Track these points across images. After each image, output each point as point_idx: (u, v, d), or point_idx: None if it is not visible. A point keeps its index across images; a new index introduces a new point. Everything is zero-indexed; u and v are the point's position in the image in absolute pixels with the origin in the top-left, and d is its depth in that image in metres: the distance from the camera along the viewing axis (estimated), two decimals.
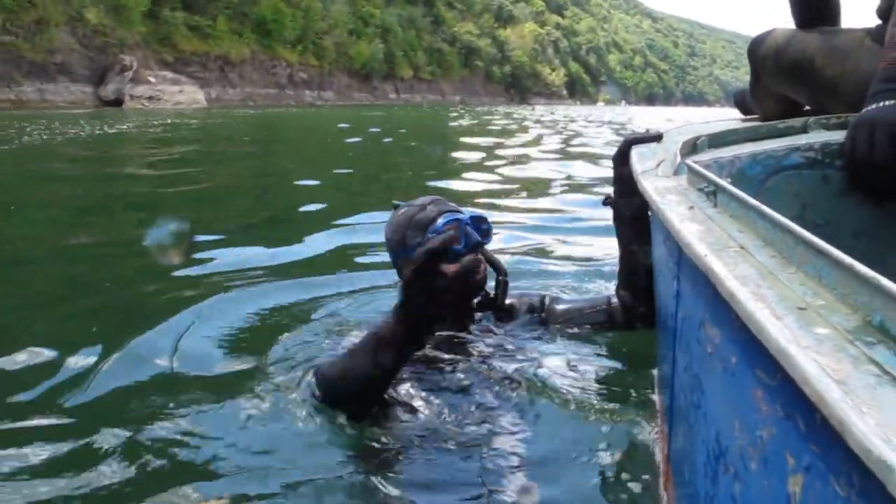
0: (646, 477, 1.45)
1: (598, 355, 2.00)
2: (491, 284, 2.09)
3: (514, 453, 1.52)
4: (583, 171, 8.47)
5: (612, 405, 1.73)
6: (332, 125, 20.57)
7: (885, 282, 0.57)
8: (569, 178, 7.76)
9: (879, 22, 1.92)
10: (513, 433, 1.58)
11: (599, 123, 24.71)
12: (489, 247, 2.01)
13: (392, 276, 2.42)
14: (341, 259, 3.56)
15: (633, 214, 1.96)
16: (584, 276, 3.14)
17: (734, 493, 0.76)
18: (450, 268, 1.38)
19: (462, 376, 1.78)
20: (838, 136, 1.61)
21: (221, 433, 1.67)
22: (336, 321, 2.44)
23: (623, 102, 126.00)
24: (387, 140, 15.15)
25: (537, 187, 6.87)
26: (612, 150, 1.96)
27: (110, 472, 1.53)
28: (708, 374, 0.91)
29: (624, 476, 1.46)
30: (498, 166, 8.96)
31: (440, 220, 1.95)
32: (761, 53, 2.30)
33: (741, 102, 2.80)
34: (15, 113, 24.17)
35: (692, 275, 0.96)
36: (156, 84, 36.45)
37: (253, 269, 3.29)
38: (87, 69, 34.79)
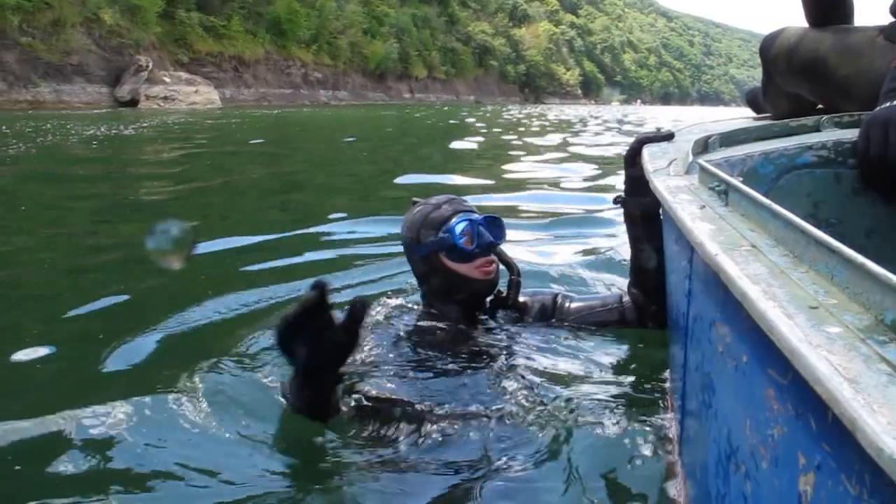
0: (657, 475, 1.44)
1: (609, 353, 2.00)
2: (504, 283, 2.10)
3: (515, 451, 1.51)
4: (593, 170, 8.44)
5: (622, 402, 1.73)
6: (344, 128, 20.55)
7: None
8: (581, 176, 7.74)
9: (893, 20, 1.91)
10: (516, 430, 1.57)
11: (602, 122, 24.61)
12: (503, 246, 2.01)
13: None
14: (356, 257, 3.56)
15: (643, 213, 1.96)
16: (596, 275, 3.14)
17: (745, 491, 0.76)
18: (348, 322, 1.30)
19: (467, 372, 1.79)
20: (851, 134, 1.60)
21: (226, 433, 1.66)
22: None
23: (638, 101, 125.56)
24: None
25: (548, 186, 6.85)
26: (623, 150, 1.95)
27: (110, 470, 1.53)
28: (719, 373, 0.91)
29: (635, 474, 1.46)
30: (508, 163, 8.96)
31: (454, 220, 1.96)
32: (773, 53, 2.29)
33: (753, 101, 2.79)
34: (32, 113, 24.38)
35: (704, 274, 0.96)
36: (171, 84, 36.67)
37: (270, 266, 3.31)
38: (102, 70, 35.04)
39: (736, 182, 1.03)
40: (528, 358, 1.91)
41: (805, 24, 2.27)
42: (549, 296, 2.20)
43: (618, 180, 6.24)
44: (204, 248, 3.66)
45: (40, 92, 30.58)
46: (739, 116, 2.89)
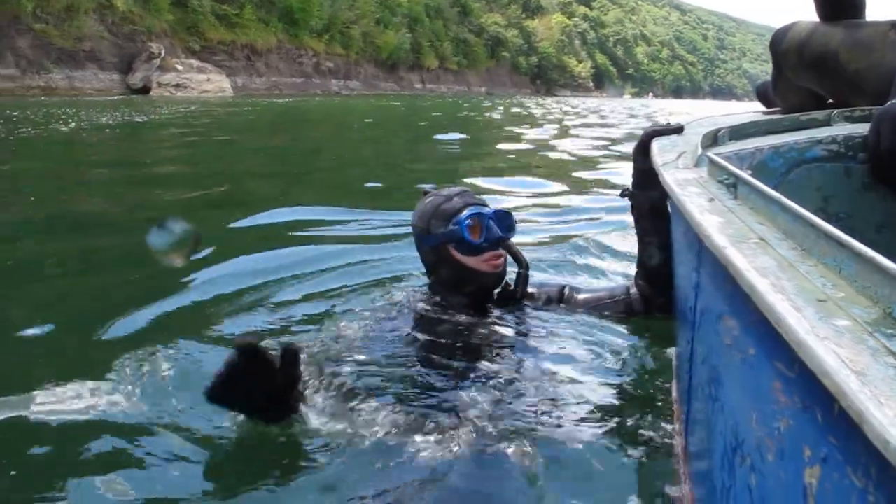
0: (662, 467, 1.44)
1: (615, 346, 2.00)
2: (512, 276, 2.10)
3: (522, 442, 1.50)
4: (604, 163, 8.42)
5: (627, 394, 1.73)
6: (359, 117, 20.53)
7: None
8: (588, 169, 7.72)
9: None
10: (521, 421, 1.57)
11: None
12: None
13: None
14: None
15: (651, 207, 1.96)
16: (604, 267, 3.14)
17: (751, 483, 0.76)
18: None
19: (471, 364, 1.78)
20: (861, 129, 1.60)
21: (223, 433, 1.63)
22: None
23: (650, 94, 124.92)
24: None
25: (559, 179, 6.83)
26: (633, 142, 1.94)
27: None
28: (726, 366, 0.91)
29: (640, 465, 1.46)
30: (519, 157, 8.94)
31: (464, 213, 1.97)
32: (784, 47, 2.28)
33: (763, 95, 2.78)
34: (44, 99, 24.46)
35: (712, 266, 0.96)
36: (183, 72, 36.70)
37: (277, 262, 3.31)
38: (115, 56, 35.09)
39: (745, 175, 1.03)
40: (534, 351, 1.91)
41: (816, 19, 2.26)
42: (556, 288, 2.21)
43: (626, 172, 6.21)
44: (213, 234, 3.67)
45: (53, 78, 30.65)
46: (750, 110, 2.88)
